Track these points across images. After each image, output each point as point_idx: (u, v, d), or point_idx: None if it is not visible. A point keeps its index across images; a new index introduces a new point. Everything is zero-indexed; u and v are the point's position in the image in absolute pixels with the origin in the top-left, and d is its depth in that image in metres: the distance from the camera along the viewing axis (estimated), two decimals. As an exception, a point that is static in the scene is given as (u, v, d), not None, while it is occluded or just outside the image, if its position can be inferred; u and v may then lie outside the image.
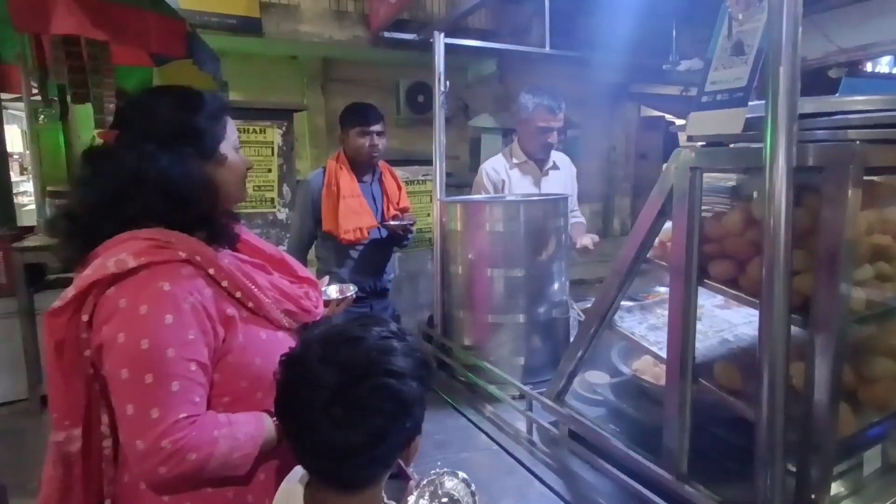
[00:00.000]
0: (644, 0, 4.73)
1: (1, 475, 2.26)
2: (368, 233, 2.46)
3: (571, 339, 1.63)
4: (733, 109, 1.00)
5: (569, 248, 1.99)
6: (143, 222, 0.98)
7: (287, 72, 6.51)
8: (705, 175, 1.10)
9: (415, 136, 6.56)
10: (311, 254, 2.69)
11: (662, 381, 1.20)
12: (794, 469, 0.97)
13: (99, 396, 0.97)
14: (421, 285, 4.21)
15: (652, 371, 1.44)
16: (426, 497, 0.88)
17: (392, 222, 2.52)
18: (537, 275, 1.78)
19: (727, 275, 1.10)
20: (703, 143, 1.10)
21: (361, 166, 2.54)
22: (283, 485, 0.91)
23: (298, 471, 0.88)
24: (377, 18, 5.53)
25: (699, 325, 1.19)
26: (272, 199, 3.78)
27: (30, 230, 3.54)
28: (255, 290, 1.05)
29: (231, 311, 1.01)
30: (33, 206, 3.92)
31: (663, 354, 1.18)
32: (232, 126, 1.12)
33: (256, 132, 3.66)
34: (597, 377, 1.56)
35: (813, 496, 0.95)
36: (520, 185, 2.52)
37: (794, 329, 0.92)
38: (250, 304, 1.05)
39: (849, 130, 0.94)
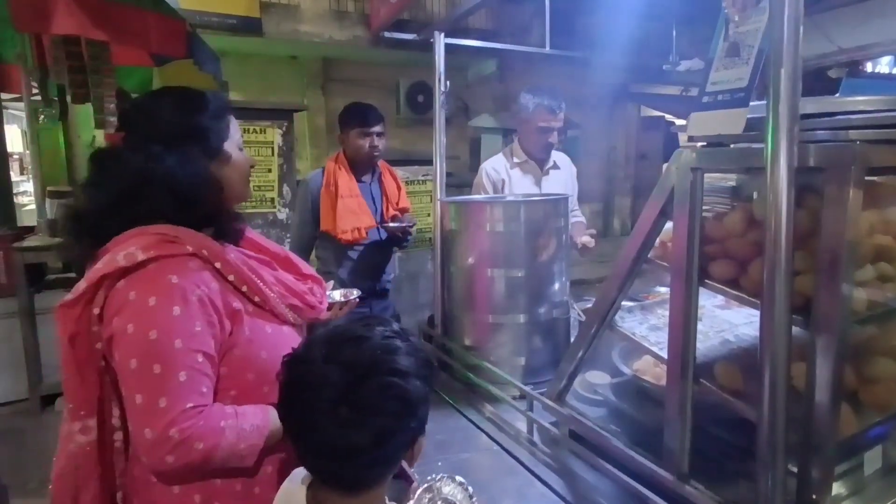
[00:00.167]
0: (644, 0, 4.73)
1: (1, 475, 2.25)
2: (367, 233, 2.46)
3: (572, 340, 1.63)
4: (734, 110, 1.00)
5: (569, 248, 1.99)
6: (151, 220, 1.00)
7: (287, 72, 6.51)
8: (706, 175, 1.10)
9: (415, 136, 6.56)
10: (312, 255, 2.68)
11: (663, 382, 1.20)
12: (795, 469, 0.97)
13: (111, 389, 0.99)
14: (421, 285, 4.21)
15: (653, 371, 1.44)
16: (425, 503, 0.88)
17: (392, 224, 2.52)
18: (538, 275, 1.78)
19: (728, 275, 1.10)
20: (704, 143, 1.10)
21: (361, 166, 2.54)
22: (284, 484, 0.91)
23: (300, 471, 0.88)
24: (377, 18, 5.52)
25: (700, 326, 1.18)
26: (272, 199, 3.78)
27: (30, 230, 3.54)
28: (261, 284, 1.07)
29: (237, 304, 1.03)
30: (33, 206, 3.92)
31: (664, 355, 1.18)
32: (235, 125, 1.14)
33: (256, 132, 3.66)
34: (597, 377, 1.56)
35: (814, 496, 0.95)
36: (520, 184, 2.52)
37: (796, 329, 0.92)
38: (256, 299, 1.07)
39: (850, 131, 0.94)
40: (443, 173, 2.04)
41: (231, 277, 1.03)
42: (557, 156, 2.62)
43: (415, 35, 2.49)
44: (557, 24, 3.61)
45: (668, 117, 8.33)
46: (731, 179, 1.22)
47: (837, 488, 1.02)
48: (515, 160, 2.54)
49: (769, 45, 0.87)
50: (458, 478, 0.91)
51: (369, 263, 2.55)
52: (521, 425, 1.52)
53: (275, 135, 3.73)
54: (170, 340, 0.93)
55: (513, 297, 1.77)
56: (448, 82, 1.98)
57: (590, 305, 1.86)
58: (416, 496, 0.88)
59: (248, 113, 3.58)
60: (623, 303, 1.37)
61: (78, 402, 0.99)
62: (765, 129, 0.85)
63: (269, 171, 3.74)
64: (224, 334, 1.01)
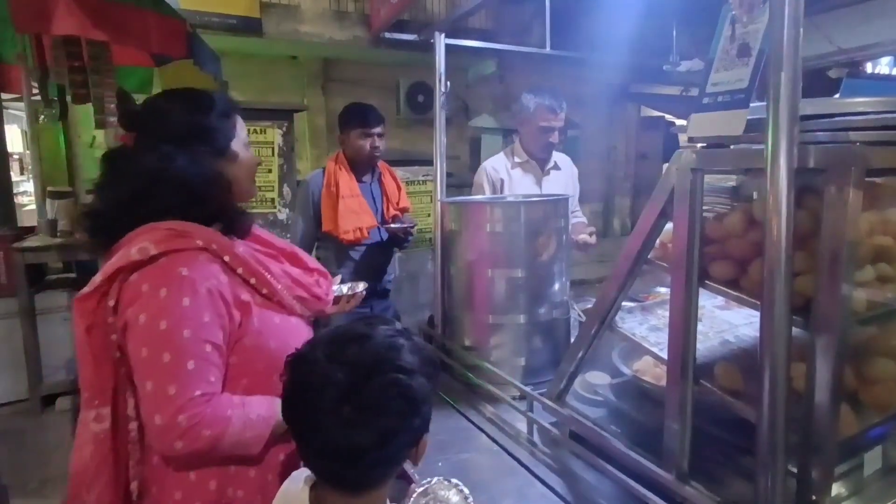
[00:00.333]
0: (644, 0, 4.73)
1: (1, 475, 2.25)
2: (368, 233, 2.46)
3: (572, 340, 1.63)
4: (734, 111, 1.00)
5: (569, 249, 1.99)
6: (162, 217, 1.04)
7: (287, 72, 6.51)
8: (706, 176, 1.10)
9: (415, 136, 6.56)
10: (312, 255, 2.68)
11: (663, 382, 1.20)
12: (794, 470, 0.97)
13: (125, 379, 1.02)
14: (421, 285, 4.21)
15: (653, 372, 1.44)
16: None
17: (393, 225, 2.52)
18: (538, 275, 1.78)
19: (728, 276, 1.10)
20: (704, 144, 1.10)
21: (361, 167, 2.54)
22: (284, 484, 0.91)
23: (302, 472, 0.88)
24: (378, 19, 5.52)
25: (700, 326, 1.19)
26: (272, 200, 3.78)
27: (30, 230, 3.54)
28: (269, 276, 1.11)
29: (246, 296, 1.07)
30: (33, 206, 3.92)
31: (664, 355, 1.18)
32: (241, 124, 1.18)
33: (257, 132, 3.66)
34: (597, 378, 1.56)
35: (814, 497, 0.95)
36: (521, 184, 2.53)
37: (795, 330, 0.92)
38: (264, 291, 1.10)
39: (850, 132, 0.94)
40: (443, 173, 2.04)
41: (239, 270, 1.07)
42: (559, 156, 2.63)
43: (415, 36, 2.50)
44: (557, 24, 3.60)
45: (668, 117, 8.32)
46: (731, 180, 1.22)
47: (837, 489, 1.02)
48: (516, 160, 2.55)
49: (769, 46, 0.87)
50: (454, 480, 0.91)
51: (370, 264, 2.55)
52: (522, 426, 1.52)
53: (275, 135, 3.74)
54: (179, 330, 0.96)
55: (513, 298, 1.77)
56: (448, 83, 1.98)
57: (590, 306, 1.86)
58: (412, 500, 0.88)
59: (248, 113, 3.54)
60: (623, 303, 1.37)
61: (93, 392, 1.02)
62: (765, 130, 0.85)
63: (270, 171, 3.74)
64: (233, 325, 1.04)
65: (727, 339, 1.29)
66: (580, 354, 1.42)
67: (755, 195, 1.13)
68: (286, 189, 3.79)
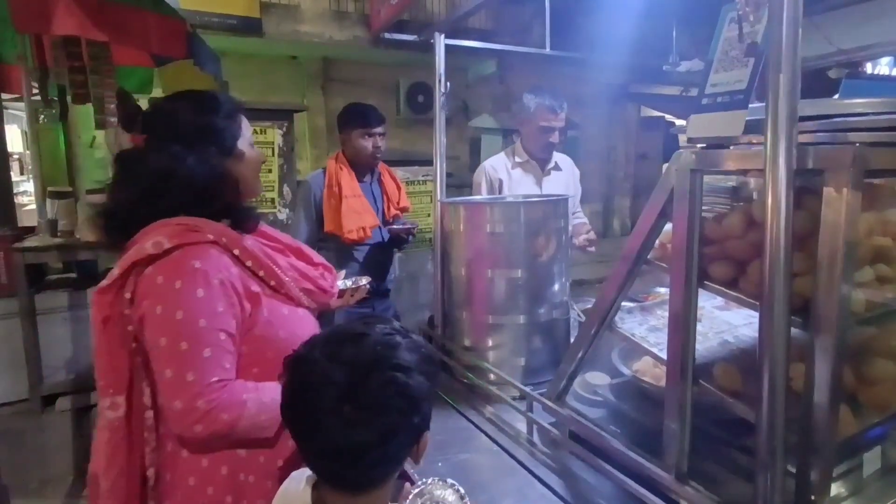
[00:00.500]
0: (644, 1, 4.73)
1: (1, 475, 2.26)
2: (371, 232, 2.47)
3: (572, 340, 1.63)
4: (734, 112, 1.00)
5: (569, 249, 1.99)
6: (173, 214, 1.09)
7: (287, 72, 6.51)
8: (705, 176, 1.10)
9: (415, 136, 6.56)
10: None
11: (663, 383, 1.20)
12: (793, 470, 0.97)
13: (141, 368, 1.07)
14: (421, 286, 4.21)
15: (652, 372, 1.44)
16: None
17: (395, 226, 2.53)
18: (537, 276, 1.78)
19: (727, 276, 1.11)
20: (704, 145, 1.10)
21: (361, 167, 2.54)
22: (284, 484, 0.91)
23: (303, 472, 0.88)
24: (378, 19, 5.52)
25: (699, 327, 1.19)
26: (272, 200, 3.78)
27: (30, 230, 3.53)
28: (276, 269, 1.16)
29: (255, 288, 1.12)
30: (33, 206, 3.91)
31: (663, 356, 1.19)
32: (246, 124, 1.24)
33: (257, 132, 3.66)
34: (597, 378, 1.56)
35: (813, 497, 0.96)
36: (521, 184, 2.53)
37: (795, 331, 0.92)
38: (272, 283, 1.15)
39: (849, 133, 0.94)
40: (443, 174, 2.04)
41: (249, 263, 1.12)
42: (560, 157, 2.63)
43: (415, 36, 2.51)
44: (557, 24, 3.61)
45: (668, 117, 8.33)
46: (730, 181, 1.22)
47: (836, 489, 1.03)
48: (517, 160, 2.55)
49: (768, 46, 0.87)
50: (450, 480, 0.91)
51: (372, 264, 2.56)
52: (521, 426, 1.52)
53: (275, 135, 3.74)
54: (195, 320, 1.01)
55: (513, 298, 1.77)
56: (448, 83, 1.98)
57: (590, 306, 1.87)
58: (408, 501, 0.88)
59: (248, 113, 3.56)
60: (623, 304, 1.37)
61: (108, 381, 1.07)
62: (764, 131, 0.85)
63: (270, 171, 3.74)
64: (244, 314, 1.09)
65: (726, 340, 1.29)
66: (580, 355, 1.42)
67: (754, 196, 1.13)
68: (286, 189, 3.79)
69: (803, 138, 0.91)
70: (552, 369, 1.61)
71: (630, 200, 8.81)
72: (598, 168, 8.28)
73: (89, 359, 3.24)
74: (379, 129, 2.49)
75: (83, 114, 3.46)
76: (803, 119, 0.88)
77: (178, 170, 1.08)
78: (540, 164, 2.55)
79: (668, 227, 1.19)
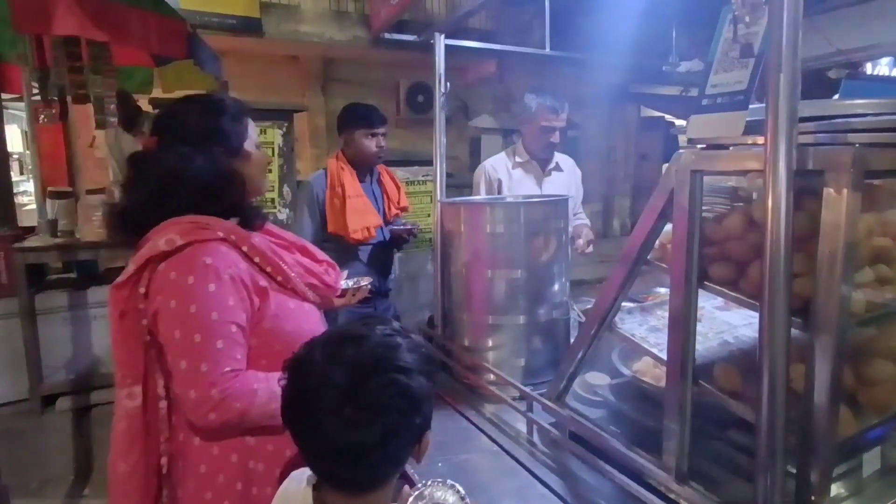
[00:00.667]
0: (644, 1, 4.73)
1: (2, 475, 2.25)
2: (375, 232, 2.47)
3: (572, 341, 1.64)
4: (734, 112, 1.00)
5: (569, 249, 1.99)
6: (184, 213, 1.12)
7: (287, 72, 6.52)
8: (706, 177, 1.10)
9: (415, 136, 6.56)
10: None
11: (663, 383, 1.20)
12: (793, 471, 0.97)
13: (155, 361, 1.11)
14: (421, 286, 4.21)
15: (652, 373, 1.44)
16: None
17: (396, 227, 2.54)
18: (538, 276, 1.78)
19: (727, 277, 1.11)
20: (704, 145, 1.10)
21: (362, 167, 2.55)
22: (284, 484, 0.91)
23: (304, 472, 0.88)
24: (378, 20, 5.53)
25: (699, 327, 1.19)
26: (272, 200, 3.78)
27: (30, 230, 3.54)
28: (283, 265, 1.19)
29: (263, 282, 1.16)
30: (33, 206, 3.92)
31: (663, 356, 1.19)
32: (252, 125, 1.28)
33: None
34: (597, 378, 1.56)
35: (813, 498, 0.96)
36: (522, 184, 2.53)
37: (794, 331, 0.92)
38: (279, 278, 1.19)
39: (849, 134, 0.94)
40: (443, 174, 2.04)
41: (256, 259, 1.16)
42: (561, 158, 2.63)
43: (415, 36, 2.50)
44: (557, 24, 3.61)
45: (668, 118, 8.34)
46: (730, 181, 1.22)
47: (836, 489, 1.03)
48: (518, 160, 2.55)
49: (768, 47, 0.87)
50: (450, 481, 0.90)
51: (374, 264, 2.56)
52: (521, 426, 1.52)
53: (275, 135, 3.74)
54: (207, 313, 1.05)
55: (512, 298, 1.77)
56: (448, 83, 1.98)
57: (590, 306, 1.87)
58: (409, 502, 0.87)
59: (249, 114, 3.58)
60: (623, 304, 1.37)
61: (125, 372, 1.11)
62: (764, 131, 0.86)
63: (270, 171, 3.74)
64: (253, 308, 1.13)
65: (726, 340, 1.29)
66: (580, 355, 1.42)
67: (754, 196, 1.13)
68: (286, 189, 3.79)
69: (803, 139, 0.91)
70: (552, 370, 1.61)
71: (630, 201, 8.82)
72: (598, 168, 8.28)
73: (89, 359, 3.24)
74: (382, 129, 2.50)
75: (83, 114, 3.46)
76: (803, 120, 0.88)
77: (187, 170, 1.12)
78: (541, 164, 2.55)
79: (668, 227, 1.19)
